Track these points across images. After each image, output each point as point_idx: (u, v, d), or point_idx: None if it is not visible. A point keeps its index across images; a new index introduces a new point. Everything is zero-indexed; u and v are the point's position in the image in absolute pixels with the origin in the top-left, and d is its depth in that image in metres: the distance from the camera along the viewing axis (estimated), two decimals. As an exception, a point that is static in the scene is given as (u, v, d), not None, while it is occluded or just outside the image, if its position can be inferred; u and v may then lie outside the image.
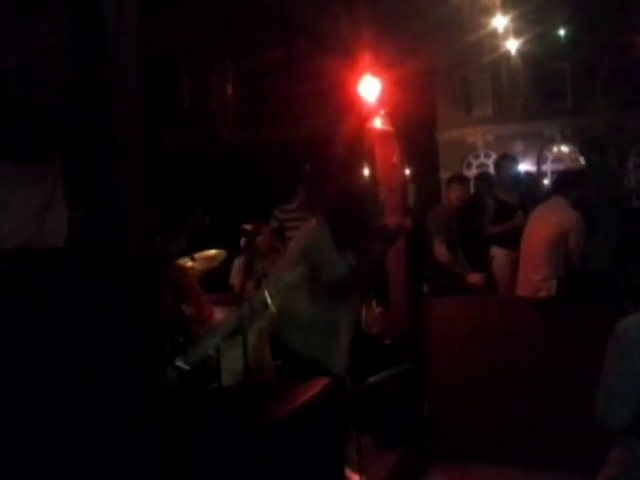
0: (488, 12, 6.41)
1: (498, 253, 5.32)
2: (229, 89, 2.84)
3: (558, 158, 23.04)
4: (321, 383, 2.53)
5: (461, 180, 5.46)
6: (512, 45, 7.58)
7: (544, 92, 22.32)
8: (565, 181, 4.61)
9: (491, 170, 9.79)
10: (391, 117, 4.25)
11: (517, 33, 7.27)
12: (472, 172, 19.08)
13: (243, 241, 4.46)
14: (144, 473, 1.72)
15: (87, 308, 1.77)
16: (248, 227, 4.18)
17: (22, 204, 2.08)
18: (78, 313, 1.88)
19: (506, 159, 6.02)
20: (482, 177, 6.58)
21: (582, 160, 19.48)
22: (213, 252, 4.03)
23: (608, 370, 2.14)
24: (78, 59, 1.69)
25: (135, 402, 1.70)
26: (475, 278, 4.84)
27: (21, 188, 2.09)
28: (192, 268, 3.44)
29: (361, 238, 3.20)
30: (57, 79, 2.00)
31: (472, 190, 5.81)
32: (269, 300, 2.66)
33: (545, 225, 4.33)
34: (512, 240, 4.89)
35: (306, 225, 3.39)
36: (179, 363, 2.57)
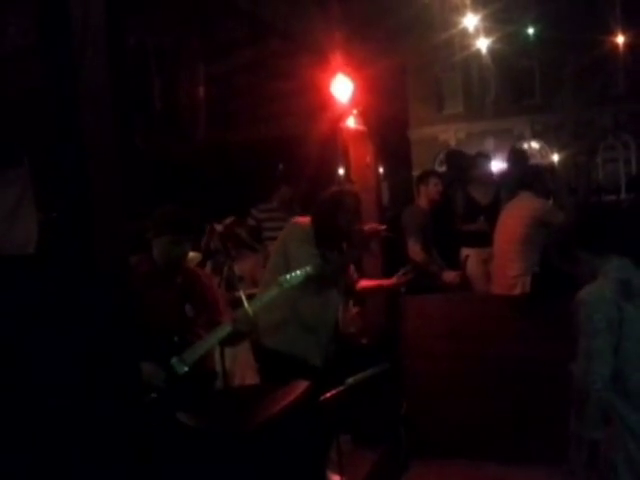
0: (458, 11, 6.45)
1: (468, 252, 5.35)
2: (201, 90, 2.82)
3: (529, 154, 23.36)
4: (301, 387, 2.52)
5: (438, 174, 5.48)
6: (482, 44, 7.63)
7: (514, 89, 22.65)
8: (528, 176, 4.66)
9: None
10: (364, 116, 4.25)
11: (487, 32, 7.32)
12: (444, 169, 19.23)
13: (204, 241, 4.42)
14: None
15: (58, 312, 1.74)
16: (215, 226, 4.17)
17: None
18: (49, 317, 1.84)
19: (480, 157, 6.03)
20: (452, 161, 6.59)
21: (555, 156, 19.82)
22: (189, 255, 3.99)
23: (581, 336, 2.30)
24: (46, 60, 1.65)
25: (108, 406, 1.67)
26: (451, 276, 4.86)
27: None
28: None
29: (336, 240, 3.29)
30: (24, 81, 1.95)
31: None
32: (248, 308, 2.65)
33: (515, 220, 4.36)
34: (481, 239, 4.93)
35: (295, 220, 3.45)
36: (174, 363, 2.57)
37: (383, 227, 3.68)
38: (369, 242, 3.57)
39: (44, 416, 1.78)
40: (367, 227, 3.50)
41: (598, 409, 2.23)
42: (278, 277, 2.82)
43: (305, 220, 3.34)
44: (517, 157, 6.37)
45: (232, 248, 4.44)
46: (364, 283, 3.77)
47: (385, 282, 3.89)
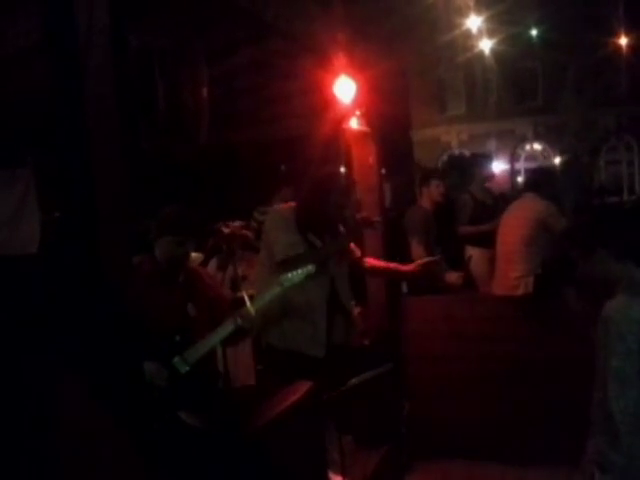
0: (461, 13, 6.46)
1: (473, 253, 5.35)
2: (204, 91, 2.82)
3: (531, 156, 23.36)
4: (303, 388, 2.52)
5: (439, 176, 5.48)
6: (485, 45, 7.65)
7: (516, 91, 22.62)
8: (538, 178, 4.66)
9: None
10: (367, 117, 4.26)
11: (490, 33, 7.34)
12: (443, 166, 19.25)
13: (211, 242, 4.42)
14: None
15: (59, 311, 1.75)
16: (222, 228, 4.17)
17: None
18: (51, 317, 1.85)
19: (482, 158, 6.05)
20: (454, 165, 6.60)
21: (558, 158, 19.80)
22: (192, 255, 3.99)
23: (609, 356, 2.09)
24: (51, 61, 1.65)
25: (113, 403, 1.68)
26: (453, 277, 4.86)
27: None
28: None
29: (325, 225, 3.24)
30: (28, 82, 1.96)
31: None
32: (252, 310, 2.66)
33: (519, 221, 4.36)
34: (486, 239, 4.92)
35: (277, 208, 3.43)
36: (176, 362, 2.58)
37: (376, 218, 3.58)
38: (360, 231, 3.52)
39: (47, 417, 1.79)
40: (360, 216, 3.47)
41: (630, 434, 2.12)
42: (279, 276, 2.82)
43: (285, 206, 3.29)
44: (453, 163, 6.43)
45: (237, 249, 4.44)
46: (374, 262, 3.67)
47: (402, 267, 3.69)
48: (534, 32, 12.54)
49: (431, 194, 5.22)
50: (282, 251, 3.04)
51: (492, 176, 6.00)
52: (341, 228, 3.35)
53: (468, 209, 5.51)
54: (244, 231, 4.47)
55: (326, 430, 2.99)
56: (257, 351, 3.36)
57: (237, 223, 4.32)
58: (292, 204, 3.30)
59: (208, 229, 4.22)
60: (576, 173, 5.87)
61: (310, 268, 2.84)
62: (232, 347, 3.23)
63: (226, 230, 4.32)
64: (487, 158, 6.11)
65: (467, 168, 5.98)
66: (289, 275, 2.80)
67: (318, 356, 3.13)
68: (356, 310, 4.41)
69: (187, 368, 2.59)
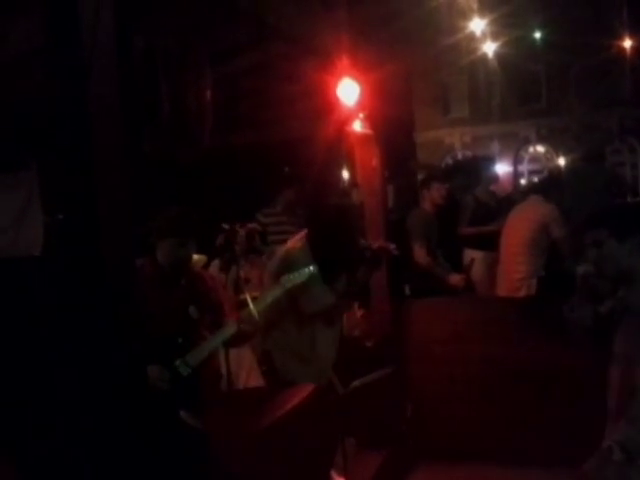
0: (465, 15, 6.46)
1: (474, 255, 5.35)
2: (208, 94, 2.83)
3: (534, 158, 23.33)
4: (307, 389, 2.52)
5: (440, 178, 5.48)
6: (489, 48, 7.66)
7: (520, 93, 22.59)
8: (548, 183, 4.68)
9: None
10: (370, 120, 4.26)
11: (494, 36, 7.35)
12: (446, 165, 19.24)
13: (221, 238, 4.40)
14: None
15: (65, 313, 1.75)
16: (237, 228, 4.19)
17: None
18: (56, 319, 1.85)
19: (487, 160, 6.07)
20: (459, 169, 6.61)
21: (562, 160, 19.77)
22: (194, 257, 4.00)
23: None
24: (54, 63, 1.66)
25: (114, 407, 1.68)
26: (456, 279, 4.86)
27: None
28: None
29: (344, 262, 3.12)
30: (32, 84, 1.97)
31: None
32: (254, 312, 2.66)
33: (523, 223, 4.37)
34: (486, 242, 4.92)
35: (289, 247, 3.20)
36: (178, 365, 2.58)
37: (393, 246, 3.43)
38: (381, 261, 3.31)
39: (51, 415, 1.79)
40: (376, 245, 3.36)
41: None
42: (281, 277, 2.82)
43: (297, 246, 3.12)
44: (459, 166, 6.46)
45: (242, 251, 4.46)
46: None
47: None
48: (537, 35, 12.54)
49: (432, 197, 5.21)
50: (311, 306, 2.98)
51: (497, 178, 6.01)
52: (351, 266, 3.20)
53: (469, 210, 5.51)
54: (253, 233, 4.49)
55: (331, 432, 2.99)
56: (261, 353, 3.36)
57: (252, 225, 4.32)
58: (301, 236, 3.17)
59: (218, 228, 4.21)
60: (603, 175, 5.72)
61: (311, 269, 2.84)
62: (236, 349, 3.24)
63: (241, 231, 4.32)
64: (491, 160, 6.12)
65: (473, 171, 5.98)
66: (290, 276, 2.80)
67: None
68: (359, 313, 4.42)
69: (189, 371, 2.59)
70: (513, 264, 4.36)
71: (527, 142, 23.45)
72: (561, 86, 21.40)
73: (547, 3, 15.96)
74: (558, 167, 19.63)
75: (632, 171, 22.03)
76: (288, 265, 2.96)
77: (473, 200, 5.56)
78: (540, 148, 23.34)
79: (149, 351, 2.54)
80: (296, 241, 3.18)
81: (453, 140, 23.90)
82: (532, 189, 4.83)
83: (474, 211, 5.53)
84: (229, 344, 2.80)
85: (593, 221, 2.38)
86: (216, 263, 4.64)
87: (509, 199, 5.88)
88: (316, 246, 3.05)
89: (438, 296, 4.72)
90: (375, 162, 4.34)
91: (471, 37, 7.07)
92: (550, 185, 4.57)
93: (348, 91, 3.96)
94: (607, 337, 2.40)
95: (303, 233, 3.22)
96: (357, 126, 4.20)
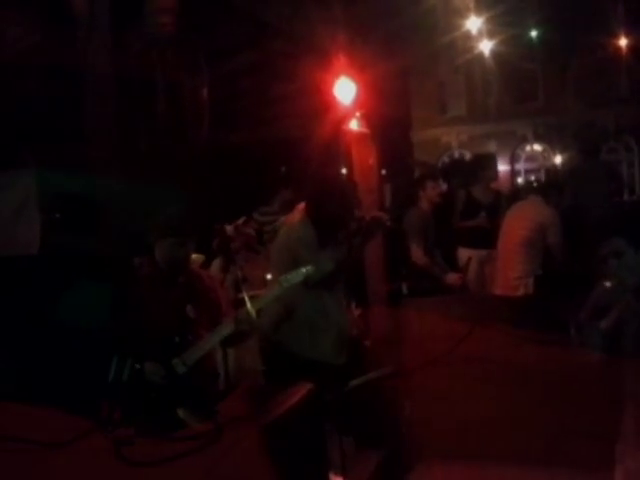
0: (461, 14, 6.47)
1: (465, 253, 5.34)
2: (205, 92, 2.82)
3: (531, 156, 23.37)
4: (304, 389, 2.51)
5: (434, 177, 5.47)
6: (485, 46, 7.67)
7: (516, 92, 22.61)
8: (547, 185, 4.69)
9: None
10: (367, 119, 4.26)
11: (490, 35, 7.35)
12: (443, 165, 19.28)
13: (216, 242, 4.40)
14: None
15: (59, 311, 1.75)
16: (225, 227, 4.18)
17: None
18: (51, 317, 1.85)
19: (487, 158, 6.06)
20: (456, 168, 6.60)
21: (558, 158, 19.81)
22: (192, 256, 3.99)
23: None
24: (50, 61, 1.65)
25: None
26: (453, 278, 4.86)
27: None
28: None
29: (342, 232, 3.20)
30: (28, 83, 1.96)
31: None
32: (251, 310, 2.65)
33: (521, 222, 4.37)
34: (479, 240, 4.93)
35: (289, 221, 3.31)
36: (175, 364, 2.57)
37: (386, 216, 3.52)
38: (374, 231, 3.40)
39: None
40: (369, 216, 3.40)
41: None
42: (278, 277, 2.82)
43: (300, 221, 3.19)
44: (457, 165, 6.44)
45: (239, 249, 4.44)
46: None
47: None
48: (534, 33, 12.55)
49: (428, 196, 5.20)
50: (319, 267, 2.97)
51: (497, 176, 6.02)
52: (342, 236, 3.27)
53: (459, 205, 5.51)
54: (248, 230, 4.47)
55: (327, 431, 2.98)
56: (262, 352, 3.35)
57: (240, 221, 4.31)
58: (300, 208, 3.24)
59: (212, 229, 4.21)
60: (603, 173, 5.71)
61: (309, 269, 2.83)
62: (235, 348, 3.23)
63: (229, 229, 4.31)
64: (491, 158, 6.12)
65: (471, 169, 5.99)
66: (287, 276, 2.79)
67: (336, 363, 3.16)
68: (356, 312, 4.41)
69: (185, 369, 2.58)
70: (510, 263, 4.36)
71: (524, 140, 23.48)
72: (558, 85, 21.42)
73: (543, 1, 15.98)
74: (555, 167, 19.70)
75: (628, 169, 22.09)
76: (290, 236, 3.11)
77: (465, 195, 5.55)
78: (537, 146, 23.37)
79: (146, 350, 2.55)
80: (295, 215, 3.26)
81: (450, 139, 23.93)
82: (531, 190, 4.83)
83: (465, 206, 5.52)
84: (227, 343, 2.79)
85: (605, 229, 2.36)
86: (217, 263, 4.64)
87: (515, 196, 5.87)
88: (315, 214, 3.13)
89: (435, 295, 4.72)
90: (372, 161, 4.34)
91: (467, 36, 7.08)
92: (548, 187, 4.58)
93: (345, 90, 3.95)
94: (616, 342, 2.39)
95: (301, 206, 3.27)
96: (354, 125, 4.20)
